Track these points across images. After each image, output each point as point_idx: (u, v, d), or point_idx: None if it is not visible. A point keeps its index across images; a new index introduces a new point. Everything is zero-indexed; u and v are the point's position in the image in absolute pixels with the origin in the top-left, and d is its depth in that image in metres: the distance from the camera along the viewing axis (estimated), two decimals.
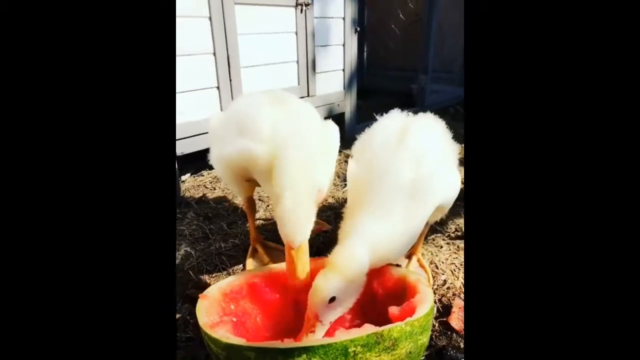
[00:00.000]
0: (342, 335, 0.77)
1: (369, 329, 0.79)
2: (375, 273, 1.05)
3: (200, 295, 0.94)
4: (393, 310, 0.91)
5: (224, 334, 0.81)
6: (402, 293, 1.01)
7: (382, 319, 0.96)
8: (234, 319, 0.96)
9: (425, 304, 0.87)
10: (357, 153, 1.13)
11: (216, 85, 2.05)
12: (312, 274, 1.07)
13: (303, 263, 0.94)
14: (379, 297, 1.04)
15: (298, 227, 0.91)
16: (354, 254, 0.89)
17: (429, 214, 1.02)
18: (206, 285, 1.26)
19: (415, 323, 0.82)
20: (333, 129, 1.29)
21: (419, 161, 0.98)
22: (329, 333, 0.87)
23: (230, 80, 2.08)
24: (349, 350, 0.76)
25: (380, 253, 0.95)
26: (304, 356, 0.75)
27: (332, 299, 0.85)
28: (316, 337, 0.85)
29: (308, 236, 0.95)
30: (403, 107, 1.30)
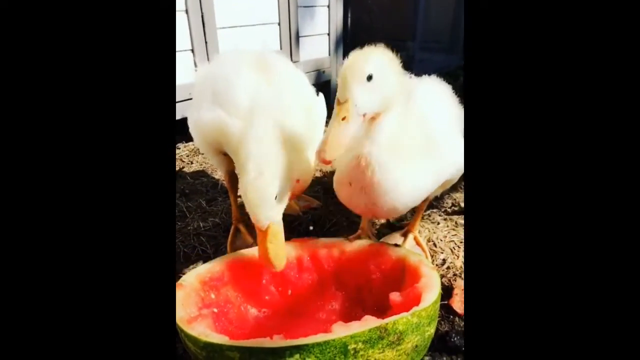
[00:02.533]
0: (341, 331, 0.67)
1: (370, 322, 0.69)
2: (371, 253, 0.95)
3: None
4: (394, 297, 0.82)
5: (203, 331, 0.69)
6: (402, 276, 0.92)
7: (381, 307, 0.87)
8: (215, 310, 0.85)
9: (432, 290, 0.78)
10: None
11: (190, 48, 1.85)
12: (309, 257, 0.97)
13: (276, 247, 0.81)
14: (376, 281, 0.94)
15: (263, 203, 0.77)
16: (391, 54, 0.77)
17: (444, 174, 0.92)
18: (183, 271, 1.14)
19: (423, 313, 0.72)
20: (321, 107, 1.15)
21: (426, 125, 0.87)
22: (324, 328, 0.76)
23: (206, 42, 1.88)
24: (349, 347, 0.66)
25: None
26: (297, 356, 0.65)
27: (370, 78, 0.71)
28: (350, 125, 0.71)
29: (279, 216, 0.82)
30: None
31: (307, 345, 0.64)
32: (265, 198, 0.78)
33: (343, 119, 0.71)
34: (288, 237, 1.07)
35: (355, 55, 0.73)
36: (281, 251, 0.82)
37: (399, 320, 0.69)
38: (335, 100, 0.73)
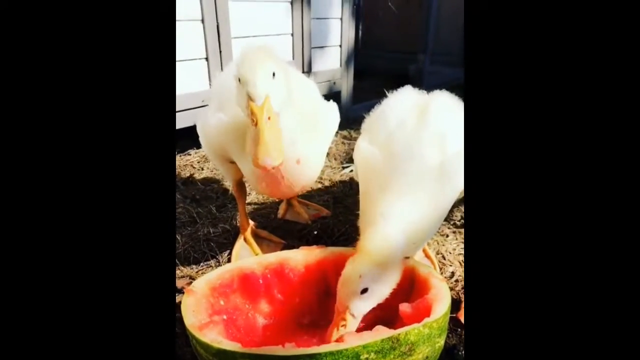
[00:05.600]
0: (353, 340, 0.67)
1: (383, 332, 0.69)
2: None
3: (185, 289, 0.82)
4: (405, 308, 0.81)
5: (216, 338, 0.70)
6: (410, 287, 0.92)
7: (390, 318, 0.87)
8: (224, 317, 0.85)
9: (442, 302, 0.77)
10: (369, 131, 1.01)
11: (205, 57, 1.88)
12: (317, 266, 0.97)
13: (274, 132, 0.70)
14: None
15: (256, 64, 0.71)
16: (387, 236, 0.78)
17: (456, 196, 0.92)
18: (193, 275, 1.15)
19: (434, 324, 0.72)
20: (333, 108, 1.17)
21: (443, 142, 0.87)
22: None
23: (220, 51, 1.91)
24: (361, 357, 0.66)
25: (412, 238, 0.84)
26: None
27: (365, 290, 0.75)
28: (347, 331, 0.76)
29: (273, 85, 0.72)
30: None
31: (319, 354, 0.64)
32: (261, 63, 0.74)
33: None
34: (296, 245, 1.08)
35: (351, 269, 0.77)
36: (279, 139, 0.71)
37: (410, 330, 0.69)
38: (336, 309, 0.77)
